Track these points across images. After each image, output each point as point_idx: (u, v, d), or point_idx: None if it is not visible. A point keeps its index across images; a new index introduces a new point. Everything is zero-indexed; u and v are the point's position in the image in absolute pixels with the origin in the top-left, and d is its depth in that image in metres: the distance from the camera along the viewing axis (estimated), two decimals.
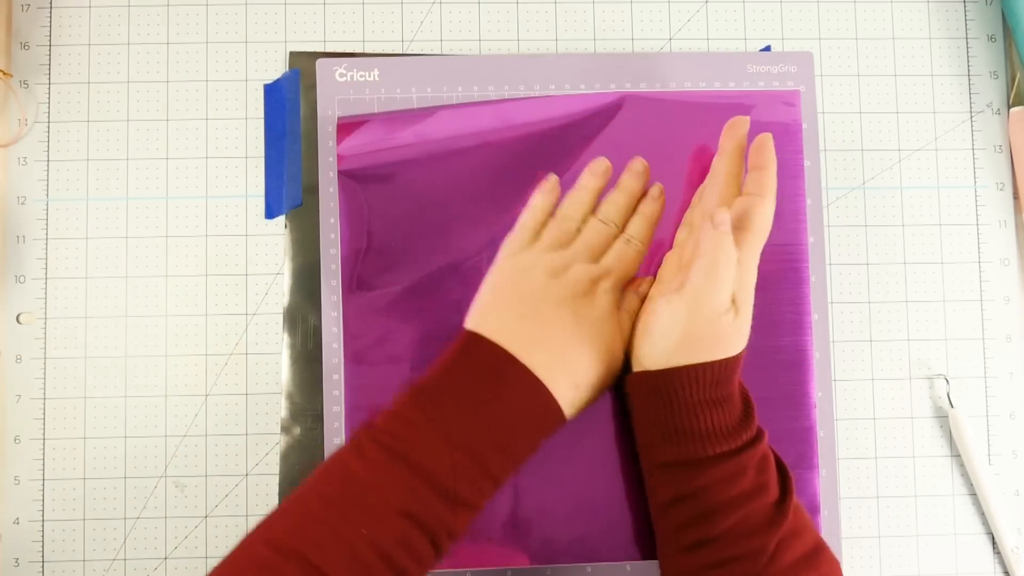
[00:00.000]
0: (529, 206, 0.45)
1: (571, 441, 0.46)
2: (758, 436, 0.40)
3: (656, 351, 0.41)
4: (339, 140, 0.47)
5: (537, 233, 0.44)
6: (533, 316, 0.41)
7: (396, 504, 0.36)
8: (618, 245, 0.45)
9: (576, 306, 0.42)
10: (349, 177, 0.47)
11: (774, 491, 0.39)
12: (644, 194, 0.46)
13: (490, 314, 0.41)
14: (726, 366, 0.40)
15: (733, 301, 0.40)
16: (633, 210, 0.46)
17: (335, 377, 0.47)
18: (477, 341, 0.40)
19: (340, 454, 0.39)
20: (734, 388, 0.40)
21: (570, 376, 0.41)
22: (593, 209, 0.45)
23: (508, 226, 0.45)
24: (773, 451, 0.40)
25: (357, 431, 0.39)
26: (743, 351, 0.41)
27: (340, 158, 0.47)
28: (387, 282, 0.47)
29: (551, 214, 0.45)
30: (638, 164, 0.46)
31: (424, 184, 0.47)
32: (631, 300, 0.44)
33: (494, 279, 0.43)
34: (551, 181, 0.46)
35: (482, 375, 0.39)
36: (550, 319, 0.41)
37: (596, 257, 0.44)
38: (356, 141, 0.47)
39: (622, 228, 0.45)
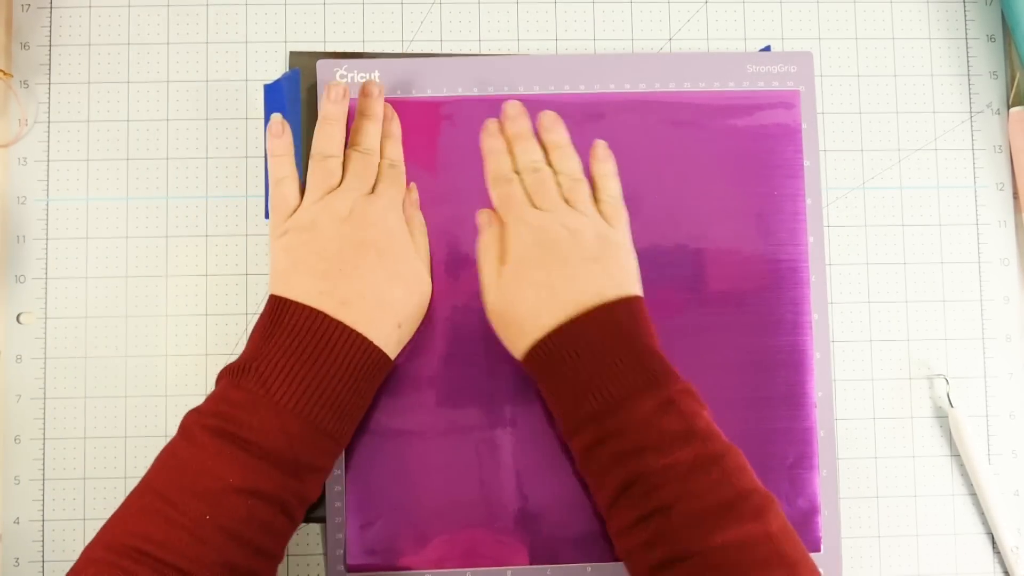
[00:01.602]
0: (272, 156, 0.44)
1: None
2: (628, 399, 0.38)
3: (504, 335, 0.43)
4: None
5: (296, 180, 0.44)
6: (338, 269, 0.41)
7: (235, 484, 0.36)
8: (386, 171, 0.45)
9: (377, 244, 0.42)
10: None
11: (666, 456, 0.36)
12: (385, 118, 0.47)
13: (292, 278, 0.41)
14: (558, 335, 0.40)
15: (503, 261, 0.43)
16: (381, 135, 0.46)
17: None
18: (287, 307, 0.40)
19: (170, 446, 0.38)
20: (585, 354, 0.39)
21: (391, 318, 0.41)
22: (346, 141, 0.45)
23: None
24: (686, 412, 0.38)
25: (184, 419, 0.39)
26: (589, 312, 0.40)
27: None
28: None
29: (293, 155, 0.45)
30: (372, 87, 0.46)
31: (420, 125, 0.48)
32: (411, 212, 0.45)
33: (283, 241, 0.42)
34: (277, 121, 0.44)
35: (300, 340, 0.39)
36: (356, 266, 0.41)
37: (370, 188, 0.44)
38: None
39: (381, 155, 0.46)
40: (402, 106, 0.48)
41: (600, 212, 0.44)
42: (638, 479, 0.37)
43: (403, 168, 0.46)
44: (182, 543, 0.35)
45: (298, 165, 0.48)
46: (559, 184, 0.44)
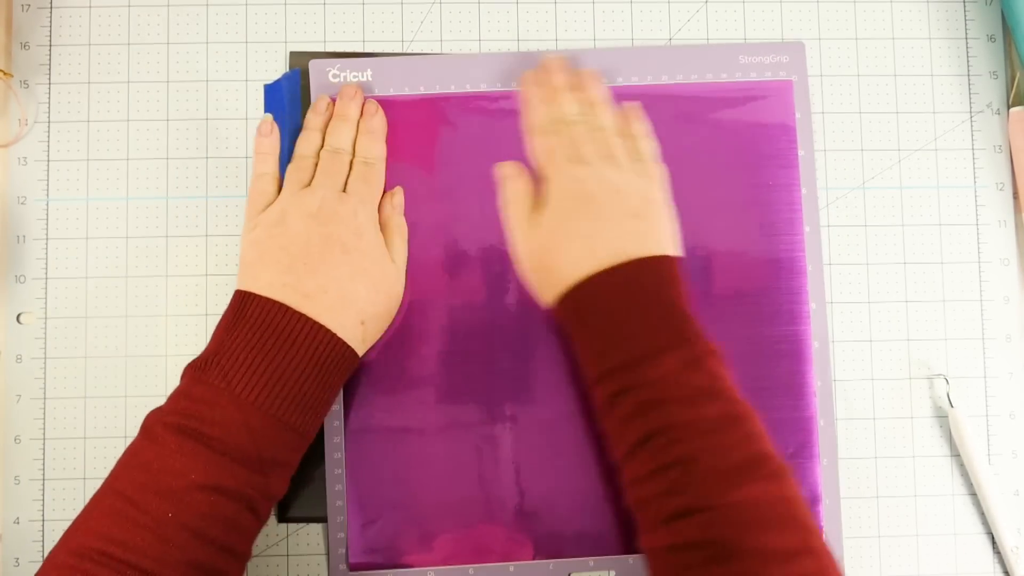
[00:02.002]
0: (257, 153, 0.45)
1: (575, 435, 0.46)
2: (656, 354, 0.38)
3: (536, 281, 0.44)
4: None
5: (276, 179, 0.45)
6: (303, 263, 0.41)
7: (198, 481, 0.36)
8: (358, 168, 0.45)
9: (344, 240, 0.42)
10: None
11: (691, 409, 0.37)
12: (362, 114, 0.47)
13: (258, 271, 0.41)
14: (593, 283, 0.40)
15: (537, 211, 0.43)
16: (356, 132, 0.46)
17: None
18: (250, 300, 0.40)
19: (131, 446, 0.38)
20: (617, 305, 0.39)
21: (355, 314, 0.41)
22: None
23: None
24: (712, 371, 0.38)
25: (146, 418, 0.39)
26: (624, 265, 0.40)
27: None
28: None
29: (278, 156, 0.46)
30: (349, 89, 0.47)
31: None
32: (389, 213, 0.45)
33: (253, 235, 0.43)
34: (267, 121, 0.46)
35: (263, 333, 0.39)
36: (321, 261, 0.41)
37: (342, 186, 0.44)
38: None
39: (353, 153, 0.46)
40: (396, 105, 0.48)
41: (639, 170, 0.44)
42: (661, 430, 0.37)
43: (380, 166, 0.46)
44: (145, 543, 0.35)
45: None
46: (599, 139, 0.44)
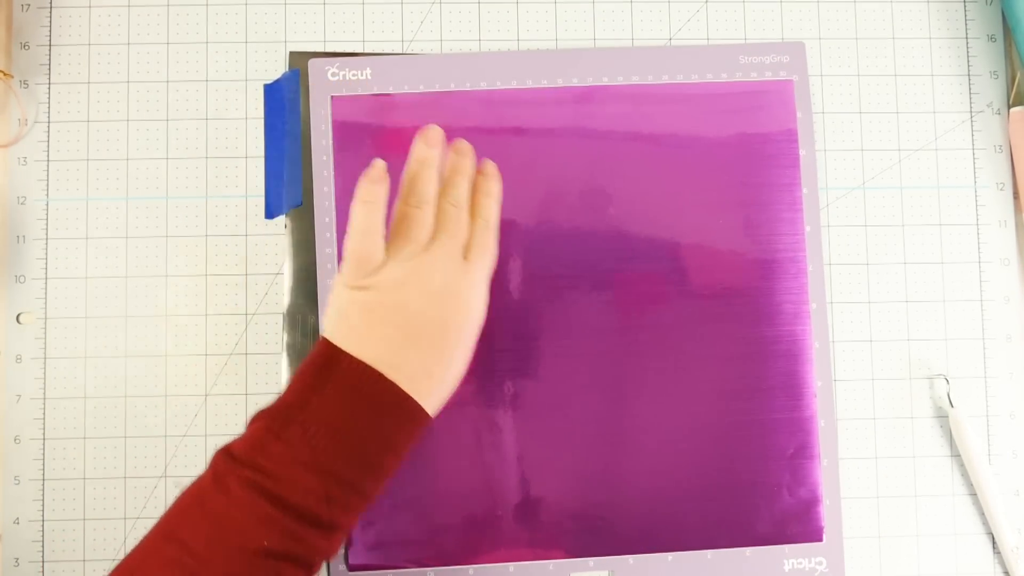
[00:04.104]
0: (365, 202, 0.40)
1: (577, 425, 0.46)
2: None
3: None
4: (333, 107, 0.48)
5: (382, 234, 0.40)
6: (414, 345, 0.38)
7: (269, 547, 0.34)
8: (481, 233, 0.41)
9: (459, 324, 0.40)
10: (343, 128, 0.48)
11: None
12: (477, 172, 0.43)
13: (365, 339, 0.38)
14: None
15: None
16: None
17: None
18: (340, 359, 0.38)
19: (198, 491, 0.36)
20: None
21: (447, 392, 0.40)
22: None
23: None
24: None
25: (216, 461, 0.36)
26: None
27: (335, 119, 0.48)
28: None
29: (387, 205, 0.41)
30: (463, 144, 0.43)
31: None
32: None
33: (364, 296, 0.39)
34: (380, 167, 0.41)
35: (350, 398, 0.37)
36: (432, 346, 0.39)
37: (462, 251, 0.40)
38: (350, 103, 0.48)
39: (474, 213, 0.42)
40: (395, 104, 0.48)
41: None
42: None
43: (497, 232, 0.42)
44: None
45: (297, 165, 0.48)
46: None
